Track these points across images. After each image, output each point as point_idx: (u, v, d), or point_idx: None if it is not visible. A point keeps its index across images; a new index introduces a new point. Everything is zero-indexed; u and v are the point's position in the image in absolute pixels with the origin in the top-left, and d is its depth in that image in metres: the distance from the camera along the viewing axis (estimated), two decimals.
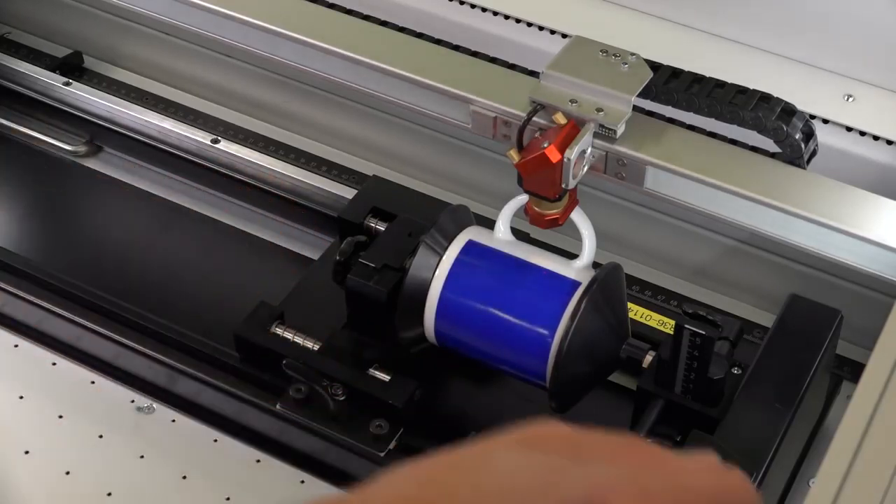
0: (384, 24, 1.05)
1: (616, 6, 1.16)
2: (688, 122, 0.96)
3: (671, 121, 0.97)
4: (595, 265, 0.95)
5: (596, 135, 0.92)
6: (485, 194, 1.23)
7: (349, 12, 1.07)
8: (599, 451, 0.45)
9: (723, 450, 0.86)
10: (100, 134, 1.33)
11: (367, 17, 1.06)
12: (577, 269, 0.94)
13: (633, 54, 0.95)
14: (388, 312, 0.98)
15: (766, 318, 1.09)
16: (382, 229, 1.05)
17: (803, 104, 0.93)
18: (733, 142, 0.95)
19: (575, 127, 0.91)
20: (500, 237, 0.97)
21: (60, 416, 1.05)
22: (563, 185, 0.90)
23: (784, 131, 0.91)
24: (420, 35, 1.04)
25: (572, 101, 0.92)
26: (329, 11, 1.07)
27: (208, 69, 1.37)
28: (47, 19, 1.44)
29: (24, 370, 1.09)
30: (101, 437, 1.03)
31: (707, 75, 0.94)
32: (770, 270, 1.14)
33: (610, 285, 0.93)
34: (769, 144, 0.93)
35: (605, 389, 0.99)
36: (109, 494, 0.99)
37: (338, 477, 1.00)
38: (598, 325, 0.92)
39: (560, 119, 0.91)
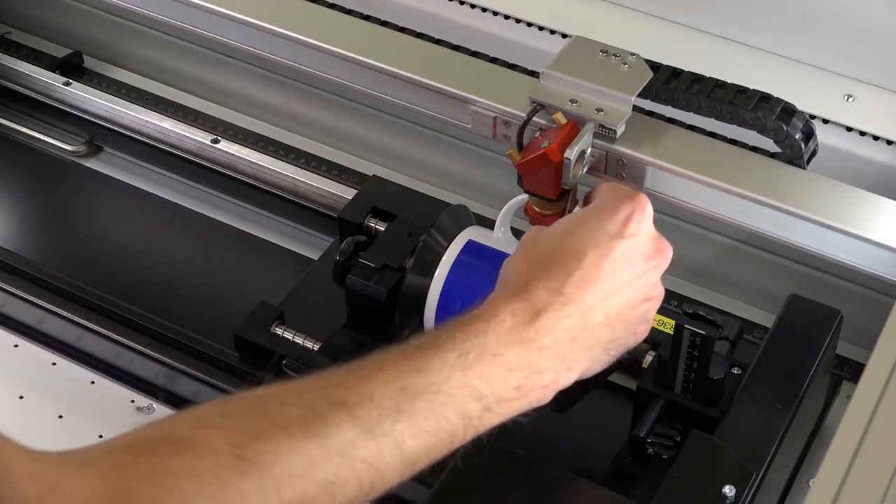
0: (384, 24, 1.05)
1: (616, 6, 1.16)
2: (688, 122, 0.96)
3: (671, 121, 0.97)
4: None
5: (596, 135, 0.92)
6: (485, 194, 1.23)
7: (349, 12, 1.07)
8: None
9: (723, 450, 0.86)
10: (100, 134, 1.33)
11: (367, 17, 1.06)
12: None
13: (633, 54, 0.95)
14: (388, 312, 0.98)
15: (766, 318, 1.08)
16: (382, 229, 1.05)
17: (803, 104, 0.93)
18: (733, 142, 0.95)
19: (575, 127, 0.91)
20: (500, 237, 0.96)
21: (60, 416, 1.05)
22: (563, 185, 0.90)
23: (784, 131, 0.91)
24: (420, 35, 1.04)
25: (572, 101, 0.92)
26: (329, 11, 1.07)
27: (208, 69, 1.37)
28: (47, 19, 1.44)
29: (24, 370, 1.09)
30: (100, 437, 1.03)
31: (707, 75, 0.94)
32: (770, 270, 1.14)
33: None
34: (769, 144, 0.93)
35: (605, 389, 0.99)
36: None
37: None
38: None
39: (560, 119, 0.91)
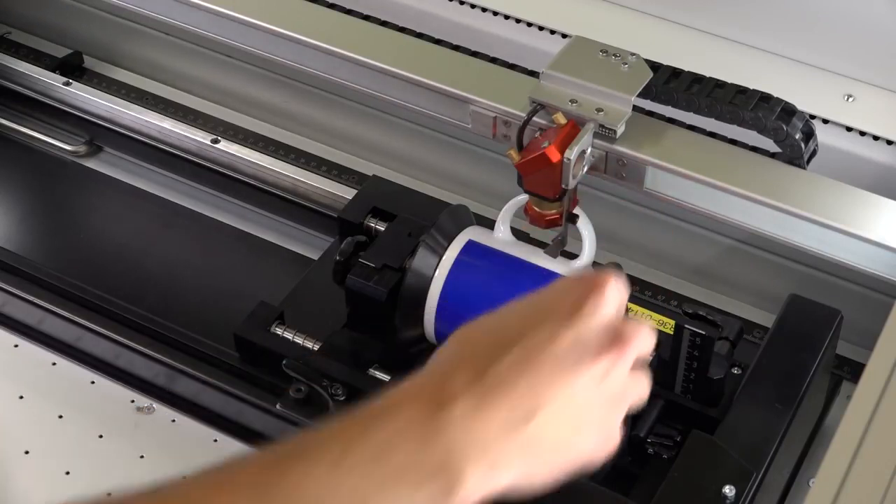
0: (384, 24, 1.05)
1: (616, 6, 1.16)
2: (688, 122, 0.96)
3: (671, 121, 0.97)
4: (595, 265, 0.95)
5: (596, 135, 0.92)
6: (485, 194, 1.23)
7: (349, 12, 1.07)
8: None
9: (723, 450, 0.86)
10: (100, 134, 1.33)
11: (367, 17, 1.06)
12: (576, 269, 0.94)
13: (633, 54, 0.95)
14: (388, 312, 0.98)
15: (766, 318, 1.08)
16: (382, 229, 1.05)
17: (803, 104, 0.93)
18: (733, 142, 0.95)
19: (575, 127, 0.91)
20: (500, 237, 0.97)
21: (60, 416, 1.05)
22: (563, 185, 0.90)
23: (784, 131, 0.91)
24: (420, 35, 1.04)
25: (572, 101, 0.92)
26: (329, 11, 1.07)
27: (208, 69, 1.37)
28: (47, 19, 1.44)
29: (24, 370, 1.09)
30: (101, 437, 1.03)
31: (707, 75, 0.94)
32: (770, 270, 1.14)
33: None
34: (769, 144, 0.93)
35: None
36: (109, 494, 0.99)
37: None
38: None
39: (560, 119, 0.91)
